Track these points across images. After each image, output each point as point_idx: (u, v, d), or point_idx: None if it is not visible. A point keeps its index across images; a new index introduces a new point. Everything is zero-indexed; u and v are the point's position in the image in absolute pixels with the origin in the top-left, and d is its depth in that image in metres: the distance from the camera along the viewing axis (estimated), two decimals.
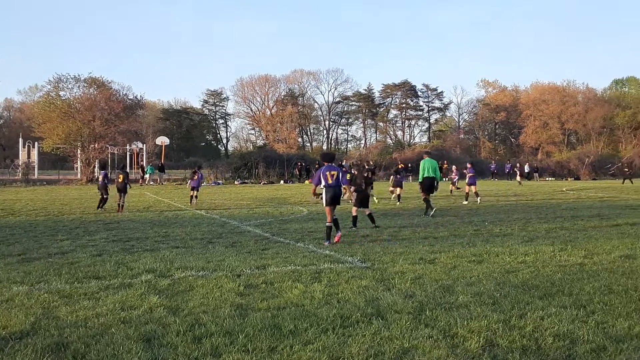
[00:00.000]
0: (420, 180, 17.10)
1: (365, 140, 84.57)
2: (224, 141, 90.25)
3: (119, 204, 18.46)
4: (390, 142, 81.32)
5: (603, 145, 73.86)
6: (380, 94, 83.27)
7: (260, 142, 77.87)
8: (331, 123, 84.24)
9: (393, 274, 7.54)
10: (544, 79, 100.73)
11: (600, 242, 10.36)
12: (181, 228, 13.68)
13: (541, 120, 74.46)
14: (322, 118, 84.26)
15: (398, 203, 21.12)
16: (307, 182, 50.65)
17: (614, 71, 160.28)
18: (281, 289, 6.66)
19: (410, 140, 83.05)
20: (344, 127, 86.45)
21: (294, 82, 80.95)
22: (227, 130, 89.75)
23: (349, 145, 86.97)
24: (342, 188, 11.17)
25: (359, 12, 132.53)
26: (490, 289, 6.51)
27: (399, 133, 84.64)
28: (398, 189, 22.10)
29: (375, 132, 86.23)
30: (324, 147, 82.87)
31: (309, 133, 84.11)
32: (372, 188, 18.24)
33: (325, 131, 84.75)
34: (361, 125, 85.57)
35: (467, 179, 22.56)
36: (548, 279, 7.08)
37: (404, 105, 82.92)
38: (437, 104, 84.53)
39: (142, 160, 48.07)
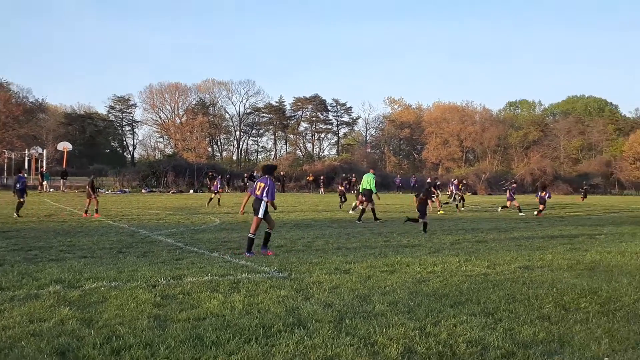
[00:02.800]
0: (361, 191, 19.66)
1: (275, 152, 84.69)
2: (131, 148, 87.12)
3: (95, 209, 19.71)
4: (300, 154, 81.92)
5: (497, 163, 78.52)
6: (291, 107, 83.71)
7: (169, 151, 75.80)
8: (242, 134, 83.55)
9: (310, 283, 7.63)
10: (445, 99, 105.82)
11: (501, 254, 11.00)
12: (87, 237, 13.10)
13: (442, 137, 77.92)
14: (232, 128, 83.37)
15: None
16: (216, 193, 49.94)
17: (508, 94, 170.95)
18: (199, 299, 6.56)
19: (320, 153, 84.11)
20: (254, 138, 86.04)
21: (205, 92, 79.66)
22: (134, 137, 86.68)
23: (259, 156, 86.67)
24: (264, 202, 10.65)
25: (271, 26, 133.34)
26: (404, 298, 6.76)
27: (309, 145, 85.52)
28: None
29: (286, 144, 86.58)
30: (234, 157, 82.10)
31: (219, 143, 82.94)
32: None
33: (235, 141, 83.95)
34: (272, 136, 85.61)
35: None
36: (457, 288, 7.44)
37: (314, 118, 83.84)
38: (346, 118, 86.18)
39: (42, 167, 45.47)
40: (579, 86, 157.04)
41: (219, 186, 28.61)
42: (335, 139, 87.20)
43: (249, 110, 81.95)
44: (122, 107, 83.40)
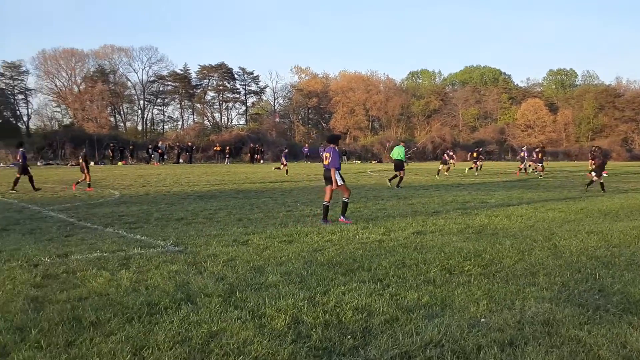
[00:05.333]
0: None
1: (182, 122, 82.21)
2: (25, 119, 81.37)
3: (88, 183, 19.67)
4: (208, 124, 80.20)
5: (401, 131, 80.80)
6: (197, 75, 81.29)
7: (67, 121, 71.70)
8: (146, 103, 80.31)
9: (205, 257, 7.49)
10: (350, 68, 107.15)
11: (397, 220, 11.32)
12: None
13: (349, 106, 78.86)
14: (136, 97, 79.91)
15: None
16: (120, 163, 48.11)
17: (410, 64, 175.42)
18: (84, 277, 6.25)
19: (228, 123, 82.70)
20: (160, 108, 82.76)
21: (104, 58, 75.46)
22: (28, 107, 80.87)
23: (165, 126, 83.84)
24: (329, 170, 11.10)
25: None
26: (298, 268, 6.78)
27: (217, 115, 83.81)
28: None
29: (193, 114, 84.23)
30: (139, 128, 79.00)
31: (122, 112, 79.34)
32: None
33: (140, 111, 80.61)
34: (178, 106, 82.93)
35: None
36: (351, 256, 7.57)
37: (221, 87, 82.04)
38: (253, 87, 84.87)
39: None
40: (475, 56, 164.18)
41: (285, 161, 31.59)
42: (244, 108, 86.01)
43: (152, 79, 78.79)
44: (13, 74, 77.44)
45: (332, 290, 5.74)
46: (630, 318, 4.92)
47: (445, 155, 31.83)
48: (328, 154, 11.20)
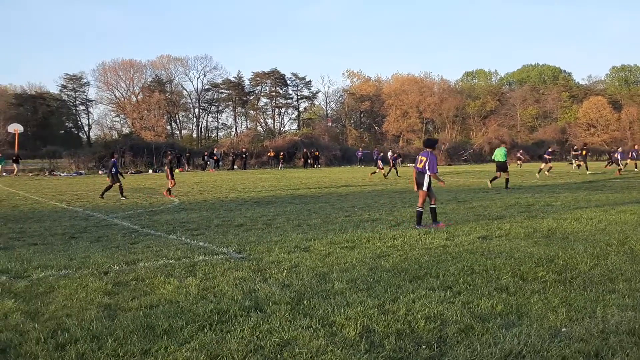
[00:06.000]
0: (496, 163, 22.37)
1: (236, 128, 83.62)
2: (86, 129, 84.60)
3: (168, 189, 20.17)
4: (261, 130, 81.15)
5: (456, 133, 79.40)
6: (250, 82, 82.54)
7: (126, 130, 74.04)
8: (201, 111, 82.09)
9: (269, 263, 7.48)
10: (403, 71, 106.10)
11: (460, 225, 11.03)
12: (39, 223, 12.64)
13: (402, 109, 78.13)
14: (191, 105, 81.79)
15: None
16: (177, 170, 49.23)
17: (465, 64, 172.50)
18: (153, 285, 6.34)
19: (280, 128, 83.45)
20: (214, 115, 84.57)
21: (161, 68, 77.63)
22: (89, 117, 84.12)
23: (219, 133, 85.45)
24: (426, 175, 10.89)
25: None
26: (363, 275, 6.67)
27: (270, 121, 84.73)
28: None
29: (246, 120, 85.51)
30: (194, 135, 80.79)
31: (178, 121, 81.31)
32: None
33: (195, 119, 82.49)
34: (232, 113, 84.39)
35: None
36: (416, 262, 7.39)
37: (273, 93, 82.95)
38: (305, 92, 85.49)
39: None
40: (533, 55, 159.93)
41: (382, 164, 31.02)
42: (296, 113, 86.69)
43: (207, 87, 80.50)
44: (75, 86, 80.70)
45: (401, 297, 5.61)
46: None
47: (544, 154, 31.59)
48: (424, 158, 11.00)
